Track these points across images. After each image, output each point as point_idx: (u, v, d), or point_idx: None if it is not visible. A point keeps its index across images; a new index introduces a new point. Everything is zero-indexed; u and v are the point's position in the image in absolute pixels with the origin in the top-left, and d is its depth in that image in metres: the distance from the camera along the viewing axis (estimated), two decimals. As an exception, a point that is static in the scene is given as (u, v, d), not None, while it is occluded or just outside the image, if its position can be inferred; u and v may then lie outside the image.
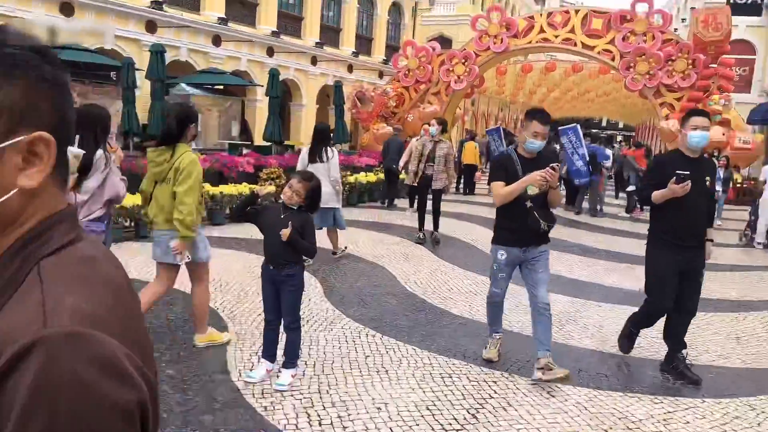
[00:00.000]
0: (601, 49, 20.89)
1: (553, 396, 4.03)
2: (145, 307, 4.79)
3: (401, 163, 10.77)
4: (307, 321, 5.10)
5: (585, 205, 14.34)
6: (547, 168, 3.98)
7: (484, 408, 3.78)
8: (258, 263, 7.34)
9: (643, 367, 4.68)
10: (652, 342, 5.10)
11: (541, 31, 20.19)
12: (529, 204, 4.12)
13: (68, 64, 14.51)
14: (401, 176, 11.17)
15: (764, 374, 4.72)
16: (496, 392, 4.02)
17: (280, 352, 4.03)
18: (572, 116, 41.74)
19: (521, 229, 4.19)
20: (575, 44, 21.40)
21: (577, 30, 19.97)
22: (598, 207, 14.23)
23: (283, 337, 3.97)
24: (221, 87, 19.14)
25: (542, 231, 4.17)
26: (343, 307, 5.63)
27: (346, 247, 7.97)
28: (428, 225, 9.34)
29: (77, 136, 3.77)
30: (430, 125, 9.61)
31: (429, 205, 9.29)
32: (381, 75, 28.35)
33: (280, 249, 3.75)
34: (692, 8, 32.29)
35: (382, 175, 13.67)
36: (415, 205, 10.33)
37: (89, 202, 3.96)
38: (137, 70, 14.91)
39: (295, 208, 3.80)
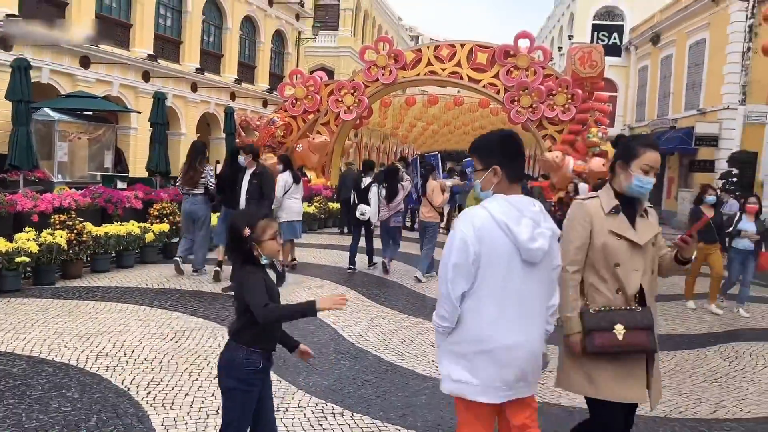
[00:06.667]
0: (487, 82, 21.30)
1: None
2: None
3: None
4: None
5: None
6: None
7: None
8: (163, 318, 6.01)
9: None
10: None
11: (429, 63, 20.35)
12: None
13: None
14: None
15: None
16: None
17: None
18: (448, 149, 43.11)
19: None
20: (462, 77, 21.70)
21: (464, 63, 20.31)
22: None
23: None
24: (90, 113, 17.14)
25: None
26: (290, 376, 4.58)
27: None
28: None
29: None
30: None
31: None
32: (265, 104, 27.29)
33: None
34: (569, 36, 34.39)
35: (338, 205, 15.08)
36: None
37: None
38: (-10, 91, 12.87)
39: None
